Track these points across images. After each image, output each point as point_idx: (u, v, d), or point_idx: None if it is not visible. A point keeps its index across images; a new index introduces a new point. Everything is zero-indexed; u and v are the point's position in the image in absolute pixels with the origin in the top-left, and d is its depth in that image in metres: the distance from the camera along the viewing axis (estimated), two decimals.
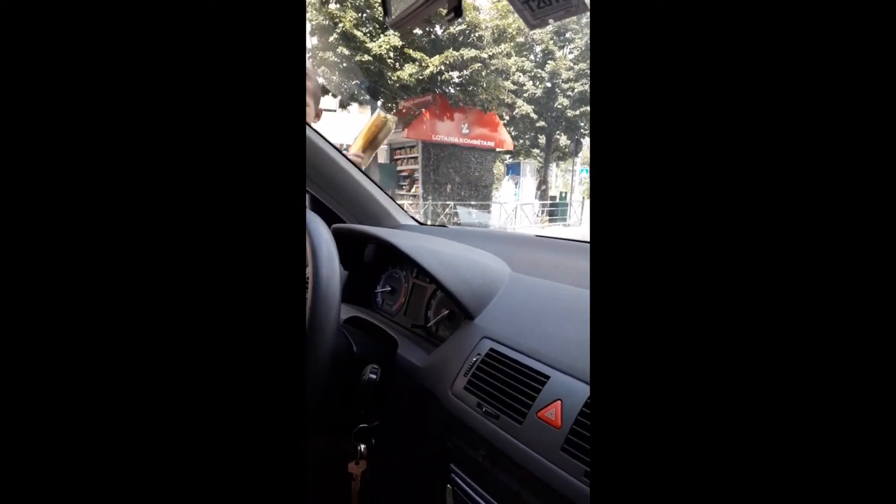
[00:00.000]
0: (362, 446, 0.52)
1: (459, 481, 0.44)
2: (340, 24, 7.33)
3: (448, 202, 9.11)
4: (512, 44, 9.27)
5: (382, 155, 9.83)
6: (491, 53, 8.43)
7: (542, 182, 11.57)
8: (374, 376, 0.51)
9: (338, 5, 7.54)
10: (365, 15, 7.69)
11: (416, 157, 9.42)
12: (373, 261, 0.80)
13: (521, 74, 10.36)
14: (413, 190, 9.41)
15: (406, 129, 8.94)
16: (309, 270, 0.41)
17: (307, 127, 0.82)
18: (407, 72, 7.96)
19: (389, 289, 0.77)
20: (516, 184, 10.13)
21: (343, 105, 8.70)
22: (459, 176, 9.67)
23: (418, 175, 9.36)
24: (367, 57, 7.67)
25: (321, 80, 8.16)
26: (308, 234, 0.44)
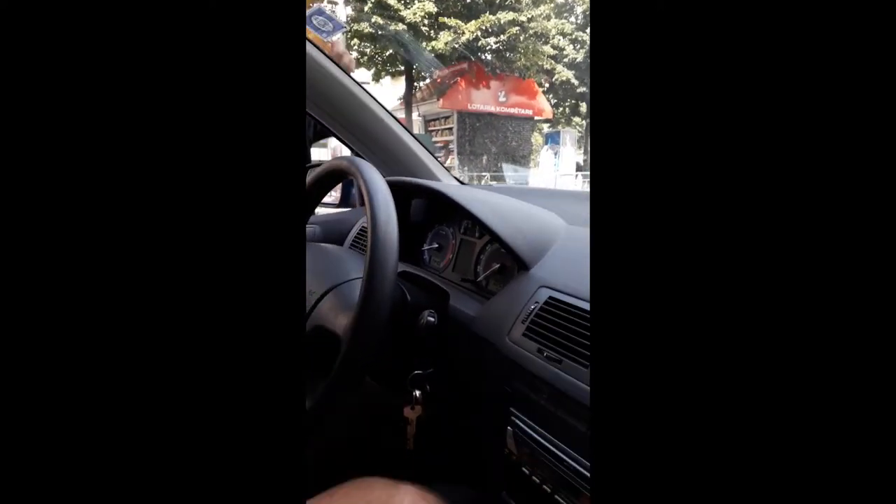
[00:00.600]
0: (417, 392, 0.52)
1: (520, 423, 0.44)
2: None
3: (483, 173, 8.98)
4: (552, 5, 8.77)
5: (417, 126, 9.75)
6: (530, 16, 8.02)
7: (584, 152, 11.11)
8: (432, 319, 0.51)
9: None
10: None
11: (451, 128, 9.26)
12: (420, 218, 0.79)
13: (561, 38, 9.81)
14: (448, 161, 9.30)
15: (441, 99, 8.78)
16: (366, 215, 0.40)
17: (349, 77, 0.80)
18: (442, 41, 7.74)
19: (437, 246, 0.76)
20: (555, 154, 9.78)
21: (376, 77, 8.64)
22: (496, 146, 9.44)
23: (453, 146, 9.20)
24: (401, 26, 7.51)
25: (354, 54, 8.10)
26: (362, 179, 0.43)
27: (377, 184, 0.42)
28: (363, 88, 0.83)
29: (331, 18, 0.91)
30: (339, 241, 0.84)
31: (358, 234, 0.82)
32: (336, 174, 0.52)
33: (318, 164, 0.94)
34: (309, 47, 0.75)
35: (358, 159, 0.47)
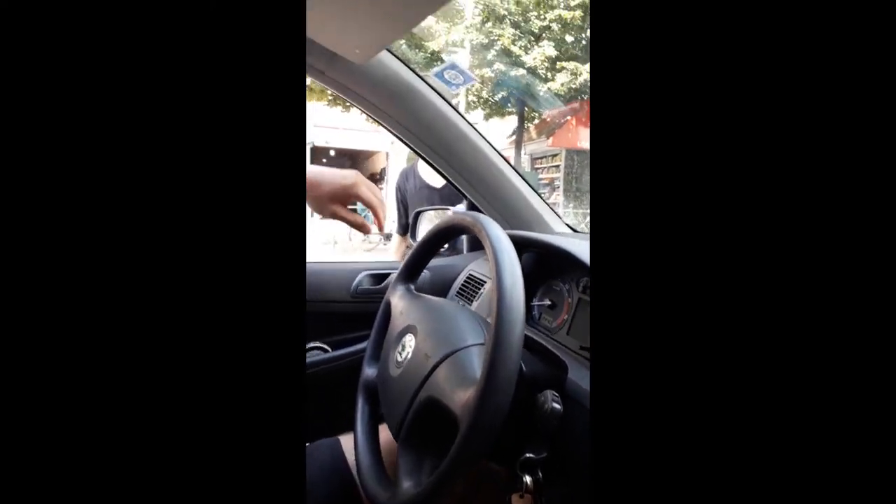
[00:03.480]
0: (528, 478, 0.44)
1: None
2: (499, 42, 7.62)
3: (588, 210, 8.60)
4: None
5: (524, 163, 9.86)
6: None
7: None
8: (557, 406, 0.43)
9: (498, 23, 7.87)
10: (520, 30, 7.84)
11: (557, 166, 9.27)
12: (530, 269, 0.73)
13: None
14: (552, 197, 9.18)
15: (550, 138, 8.78)
16: (491, 277, 0.36)
17: (462, 119, 0.80)
18: (559, 82, 7.81)
19: (549, 303, 0.69)
20: None
21: (486, 118, 8.99)
22: None
23: (559, 183, 9.16)
24: (521, 71, 7.79)
25: (471, 97, 8.59)
26: (488, 239, 0.39)
27: (503, 245, 0.38)
28: (479, 133, 0.82)
29: (462, 72, 0.94)
30: (445, 288, 0.81)
31: (464, 283, 0.78)
32: (458, 230, 0.49)
33: (453, 211, 0.94)
34: (426, 89, 0.77)
35: (482, 217, 0.44)
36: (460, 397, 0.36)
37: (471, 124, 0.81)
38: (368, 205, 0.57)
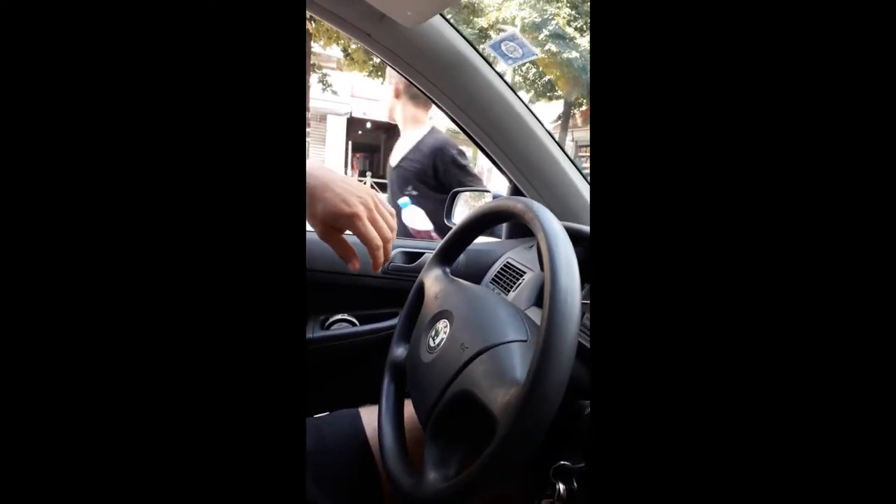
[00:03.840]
0: (562, 486, 0.42)
1: None
2: (554, 21, 7.30)
3: None
4: None
5: (569, 150, 9.64)
6: None
7: None
8: None
9: (554, 1, 7.53)
10: (577, 11, 7.47)
11: None
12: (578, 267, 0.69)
13: None
14: None
15: None
16: (534, 269, 0.33)
17: (516, 97, 0.75)
18: None
19: None
20: None
21: (533, 101, 8.71)
22: None
23: None
24: (574, 53, 7.46)
25: (517, 77, 8.32)
26: (542, 228, 0.36)
27: (560, 239, 0.35)
28: (534, 114, 0.77)
29: (522, 44, 0.87)
30: (481, 274, 0.78)
31: (501, 270, 0.75)
32: (506, 216, 0.46)
33: (495, 195, 0.90)
34: (479, 61, 0.72)
35: (536, 204, 0.40)
36: (501, 397, 0.33)
37: (525, 104, 0.76)
38: (366, 243, 0.45)
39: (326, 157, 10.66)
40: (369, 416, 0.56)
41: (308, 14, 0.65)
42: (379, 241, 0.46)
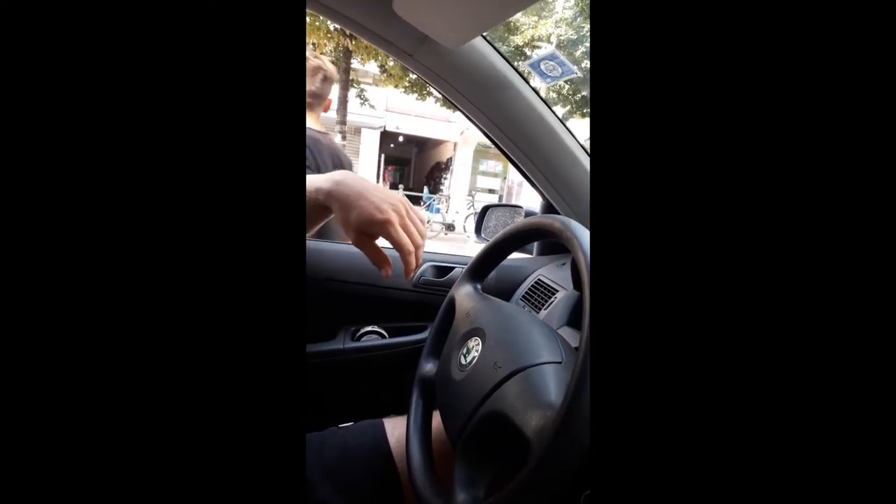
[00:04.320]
0: None
1: None
2: (589, 39, 7.30)
3: None
4: None
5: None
6: None
7: None
8: None
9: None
10: None
11: None
12: None
13: None
14: None
15: None
16: (566, 288, 0.32)
17: (554, 117, 0.75)
18: None
19: None
20: None
21: (566, 118, 8.67)
22: None
23: None
24: None
25: (552, 94, 8.31)
26: (580, 249, 0.36)
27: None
28: (572, 134, 0.76)
29: (562, 63, 0.88)
30: (511, 290, 0.78)
31: (531, 287, 0.74)
32: (542, 234, 0.45)
33: (527, 211, 0.90)
34: (519, 80, 0.72)
35: (574, 223, 0.39)
36: (536, 421, 0.32)
37: (562, 121, 0.75)
38: (398, 248, 0.47)
39: (360, 170, 10.96)
40: (393, 427, 0.56)
41: (350, 33, 0.68)
42: (411, 247, 0.47)
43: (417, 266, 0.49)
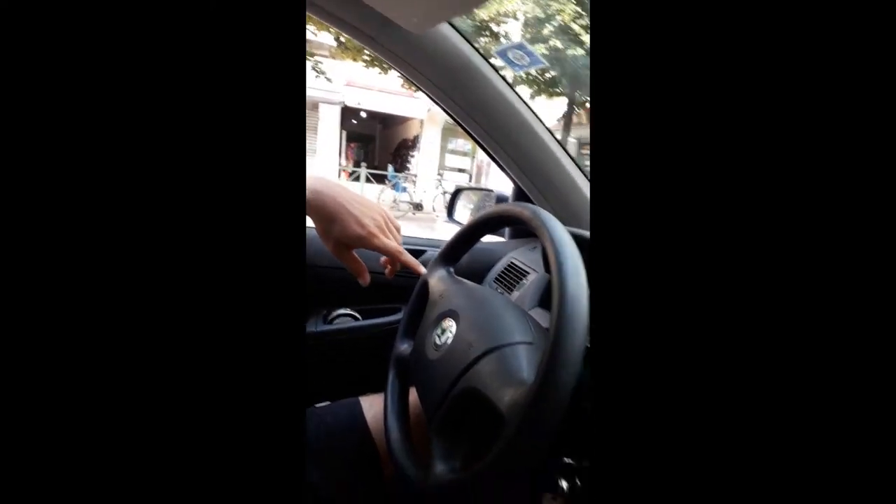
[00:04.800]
0: (565, 483, 0.44)
1: None
2: (558, 17, 7.25)
3: None
4: None
5: (571, 148, 9.60)
6: None
7: None
8: None
9: None
10: (583, 8, 7.42)
11: None
12: None
13: None
14: None
15: None
16: (554, 284, 0.35)
17: (523, 103, 0.77)
18: None
19: None
20: None
21: (533, 97, 8.67)
22: None
23: None
24: (579, 51, 7.42)
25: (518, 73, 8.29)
26: (550, 239, 0.38)
27: (568, 249, 0.36)
28: (541, 120, 0.78)
29: (530, 53, 0.89)
30: (483, 273, 0.81)
31: (504, 270, 0.78)
32: (512, 221, 0.48)
33: (498, 195, 0.92)
34: (486, 67, 0.73)
35: (543, 212, 0.42)
36: (509, 396, 0.35)
37: (529, 107, 0.77)
38: (387, 254, 0.52)
39: (318, 147, 10.54)
40: (369, 405, 0.59)
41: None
42: (399, 248, 0.52)
43: (395, 269, 0.53)
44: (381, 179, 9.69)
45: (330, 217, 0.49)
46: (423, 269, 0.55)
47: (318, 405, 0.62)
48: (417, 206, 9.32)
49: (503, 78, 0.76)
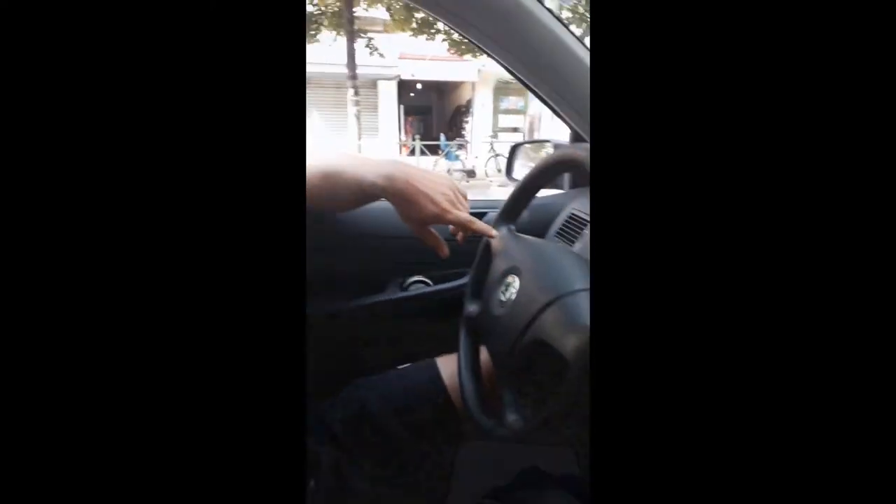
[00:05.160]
0: None
1: None
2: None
3: None
4: None
5: None
6: None
7: None
8: None
9: None
10: None
11: None
12: None
13: None
14: None
15: None
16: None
17: (571, 35, 0.70)
18: None
19: None
20: None
21: (584, 35, 7.92)
22: None
23: None
24: None
25: (566, 13, 7.57)
26: None
27: None
28: (588, 49, 0.71)
29: None
30: (544, 228, 0.78)
31: (565, 222, 0.74)
32: (568, 165, 0.45)
33: (556, 144, 0.88)
34: (538, 7, 0.68)
35: None
36: (572, 343, 0.35)
37: (586, 47, 0.71)
38: (462, 226, 0.54)
39: (380, 125, 10.74)
40: (445, 364, 0.61)
41: None
42: (469, 218, 0.54)
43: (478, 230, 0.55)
44: (434, 150, 9.65)
45: (406, 200, 0.52)
46: (494, 233, 0.56)
47: (399, 367, 0.67)
48: (470, 173, 9.16)
49: (556, 17, 0.70)
